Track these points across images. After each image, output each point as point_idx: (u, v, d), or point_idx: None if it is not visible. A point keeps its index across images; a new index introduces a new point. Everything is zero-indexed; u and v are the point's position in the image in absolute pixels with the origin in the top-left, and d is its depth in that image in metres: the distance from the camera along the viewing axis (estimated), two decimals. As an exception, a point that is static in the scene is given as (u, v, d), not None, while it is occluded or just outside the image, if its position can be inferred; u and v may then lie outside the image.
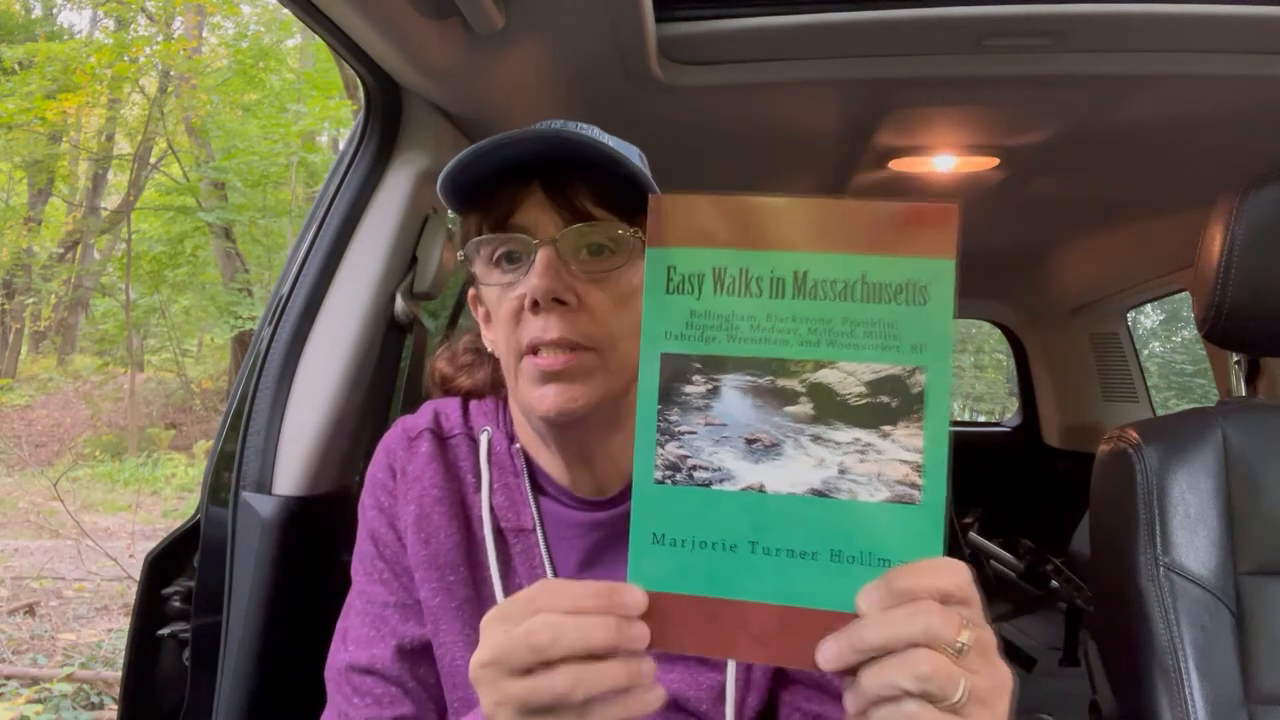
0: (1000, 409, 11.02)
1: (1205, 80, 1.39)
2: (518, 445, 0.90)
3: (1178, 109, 1.53)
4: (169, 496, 8.29)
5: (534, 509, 0.87)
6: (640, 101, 1.46)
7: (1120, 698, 1.29)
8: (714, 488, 0.54)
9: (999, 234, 2.66)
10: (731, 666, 0.82)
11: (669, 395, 0.55)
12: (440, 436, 0.91)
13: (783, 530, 0.54)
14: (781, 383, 0.54)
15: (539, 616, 0.53)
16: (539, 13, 1.16)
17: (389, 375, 1.34)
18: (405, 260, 1.30)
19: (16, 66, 10.06)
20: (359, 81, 1.27)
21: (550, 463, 0.88)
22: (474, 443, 0.91)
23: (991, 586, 3.14)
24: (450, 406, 0.94)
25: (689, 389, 0.55)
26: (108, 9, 11.34)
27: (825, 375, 0.54)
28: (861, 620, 0.52)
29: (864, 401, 0.53)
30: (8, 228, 11.78)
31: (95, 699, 3.83)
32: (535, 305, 0.76)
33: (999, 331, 3.85)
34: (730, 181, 2.04)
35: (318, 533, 1.20)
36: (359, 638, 0.87)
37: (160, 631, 1.20)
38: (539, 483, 0.89)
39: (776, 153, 1.84)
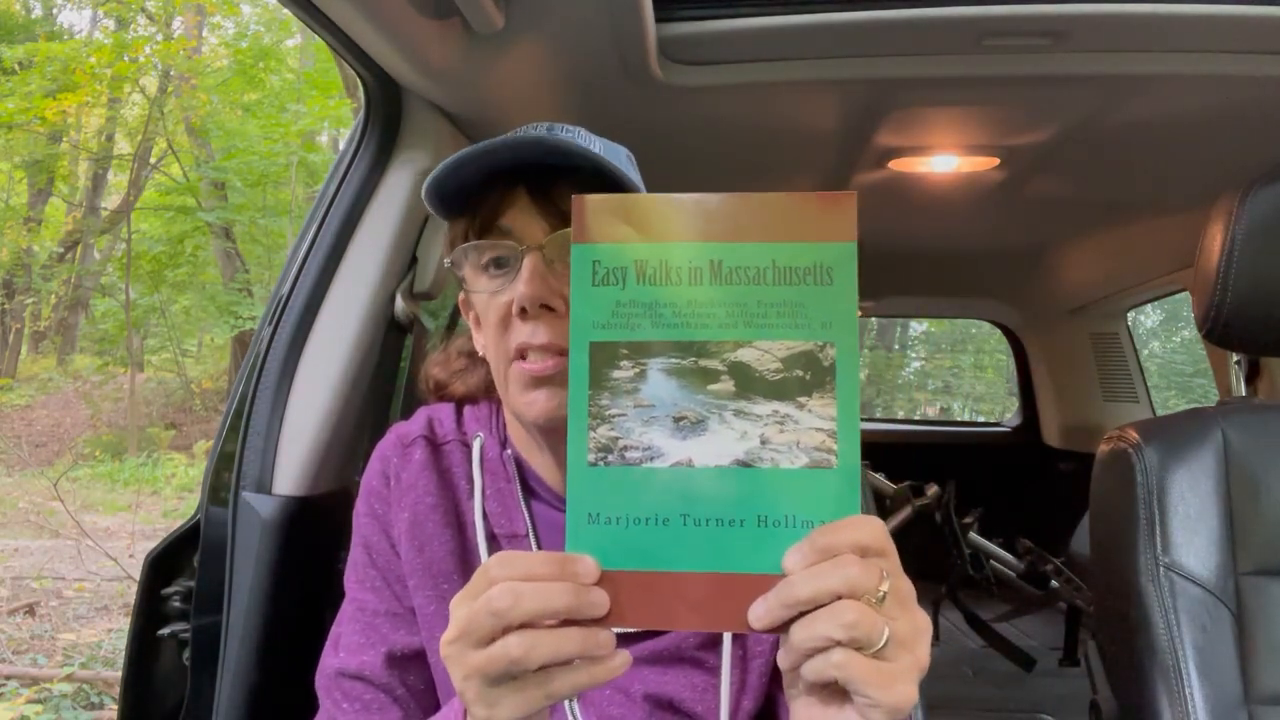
0: (1000, 409, 11.03)
1: (1205, 80, 1.39)
2: (509, 451, 0.90)
3: (1178, 109, 1.53)
4: (169, 496, 8.29)
5: (526, 514, 0.88)
6: (640, 101, 1.46)
7: (1120, 698, 1.29)
8: (645, 465, 0.57)
9: (999, 234, 2.66)
10: (726, 669, 0.82)
11: (599, 381, 0.57)
12: (434, 443, 0.92)
13: (711, 501, 0.56)
14: (704, 363, 0.57)
15: (497, 585, 0.54)
16: (539, 13, 1.16)
17: (389, 375, 1.34)
18: (405, 260, 1.30)
19: (16, 66, 10.05)
20: (359, 81, 1.27)
21: (543, 466, 0.88)
22: (467, 449, 0.91)
23: (991, 586, 3.14)
24: (444, 412, 0.95)
25: (617, 374, 0.57)
26: (108, 9, 11.34)
27: (744, 354, 0.57)
28: (789, 579, 0.54)
29: (780, 376, 0.57)
30: (8, 228, 11.78)
31: (95, 699, 3.82)
32: (523, 311, 0.77)
33: (999, 331, 3.85)
34: (730, 181, 2.04)
35: (318, 533, 1.20)
36: (350, 644, 0.87)
37: (160, 631, 1.20)
38: (531, 487, 0.89)
39: (776, 153, 1.84)
